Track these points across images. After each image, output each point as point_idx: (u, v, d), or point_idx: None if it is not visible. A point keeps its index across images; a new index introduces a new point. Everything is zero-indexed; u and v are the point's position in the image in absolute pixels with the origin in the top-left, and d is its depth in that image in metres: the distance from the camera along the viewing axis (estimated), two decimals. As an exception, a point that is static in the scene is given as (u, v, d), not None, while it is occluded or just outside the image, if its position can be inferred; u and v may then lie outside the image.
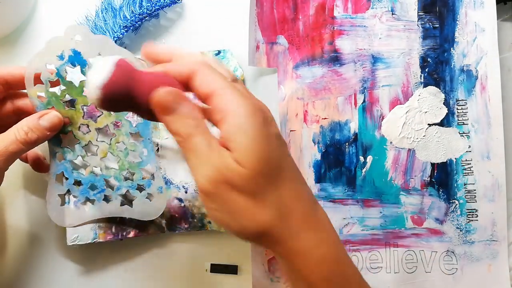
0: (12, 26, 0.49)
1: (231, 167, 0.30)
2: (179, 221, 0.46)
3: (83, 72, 0.41)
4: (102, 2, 0.48)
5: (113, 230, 0.45)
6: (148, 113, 0.32)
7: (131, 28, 0.47)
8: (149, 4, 0.47)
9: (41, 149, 0.44)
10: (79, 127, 0.42)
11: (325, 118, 0.48)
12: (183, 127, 0.31)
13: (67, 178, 0.43)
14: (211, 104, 0.32)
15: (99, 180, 0.44)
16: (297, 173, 0.33)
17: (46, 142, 0.42)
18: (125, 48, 0.46)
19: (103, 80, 0.30)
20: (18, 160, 0.41)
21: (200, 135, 0.31)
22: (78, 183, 0.43)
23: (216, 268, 0.48)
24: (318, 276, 0.32)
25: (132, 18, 0.47)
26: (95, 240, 0.46)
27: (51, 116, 0.41)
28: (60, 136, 0.42)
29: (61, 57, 0.40)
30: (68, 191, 0.43)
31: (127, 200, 0.44)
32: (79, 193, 0.43)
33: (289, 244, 0.32)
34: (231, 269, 0.48)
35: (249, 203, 0.31)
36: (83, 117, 0.42)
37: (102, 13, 0.47)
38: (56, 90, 0.41)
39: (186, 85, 0.33)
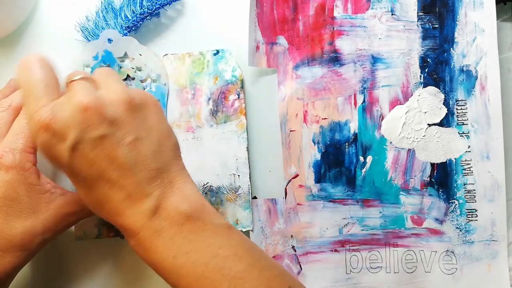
0: (12, 27, 0.49)
1: None
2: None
3: None
4: (102, 2, 0.48)
5: (115, 227, 0.46)
6: None
7: (133, 28, 0.47)
8: (149, 3, 0.47)
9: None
10: None
11: (325, 118, 0.48)
12: None
13: None
14: None
15: None
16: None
17: None
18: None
19: None
20: None
21: None
22: None
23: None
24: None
25: (133, 18, 0.47)
26: (98, 236, 0.46)
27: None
28: None
29: (95, 58, 0.45)
30: None
31: None
32: None
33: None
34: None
35: None
36: None
37: (102, 13, 0.47)
38: None
39: None
